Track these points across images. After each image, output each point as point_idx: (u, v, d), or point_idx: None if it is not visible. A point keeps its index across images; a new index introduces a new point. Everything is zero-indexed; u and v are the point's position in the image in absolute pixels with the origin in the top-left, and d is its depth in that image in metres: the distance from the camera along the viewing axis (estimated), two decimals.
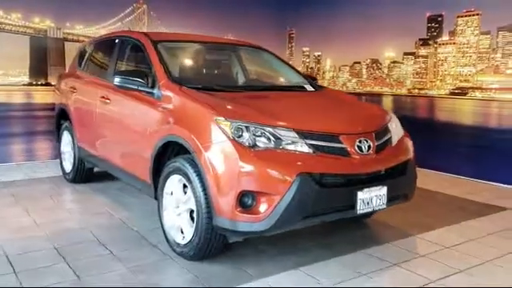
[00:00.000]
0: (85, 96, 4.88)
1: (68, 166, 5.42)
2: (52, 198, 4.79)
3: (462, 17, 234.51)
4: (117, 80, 3.71)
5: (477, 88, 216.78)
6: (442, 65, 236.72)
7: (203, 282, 2.94)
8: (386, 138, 3.36)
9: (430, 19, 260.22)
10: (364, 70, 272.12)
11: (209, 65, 4.60)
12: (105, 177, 5.50)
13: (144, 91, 3.69)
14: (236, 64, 4.62)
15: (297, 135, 2.95)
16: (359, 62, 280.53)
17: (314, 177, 2.86)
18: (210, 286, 2.90)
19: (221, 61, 4.65)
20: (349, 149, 3.05)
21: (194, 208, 3.11)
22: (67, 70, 5.80)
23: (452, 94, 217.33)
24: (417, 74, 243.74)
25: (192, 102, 3.27)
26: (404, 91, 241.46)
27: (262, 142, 2.90)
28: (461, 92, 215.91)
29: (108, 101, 4.26)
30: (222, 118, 2.97)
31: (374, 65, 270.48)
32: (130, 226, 3.95)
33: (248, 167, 2.80)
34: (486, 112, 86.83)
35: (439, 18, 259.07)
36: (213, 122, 2.98)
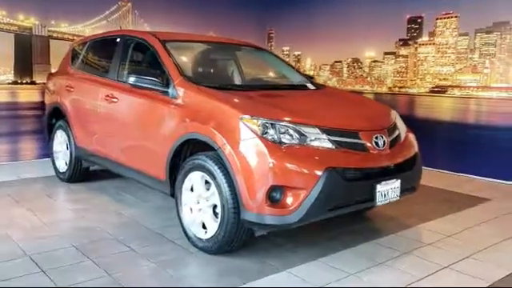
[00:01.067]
0: (85, 95, 4.86)
1: (62, 166, 5.37)
2: (52, 198, 4.76)
3: (441, 19, 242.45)
4: (132, 79, 3.75)
5: (455, 86, 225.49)
6: (421, 64, 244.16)
7: (231, 274, 3.05)
8: (395, 134, 3.57)
9: (410, 20, 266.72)
10: (345, 69, 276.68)
11: (216, 64, 4.69)
12: (100, 176, 5.49)
13: (158, 90, 3.74)
14: (241, 64, 4.74)
15: (320, 132, 3.10)
16: (340, 61, 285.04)
17: (339, 171, 3.03)
18: (239, 277, 3.01)
19: (227, 60, 4.74)
20: (367, 144, 3.24)
21: (218, 203, 3.20)
22: (58, 69, 5.72)
23: (432, 91, 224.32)
24: (397, 72, 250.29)
25: (215, 100, 3.36)
26: (385, 89, 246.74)
27: (287, 139, 3.03)
28: (440, 90, 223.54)
29: (115, 99, 4.27)
30: (249, 116, 3.09)
31: (355, 64, 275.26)
32: (141, 224, 4.00)
33: (277, 163, 2.93)
34: (464, 108, 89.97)
35: (419, 20, 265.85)
36: (239, 120, 3.09)
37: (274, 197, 2.97)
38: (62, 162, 5.37)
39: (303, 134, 3.06)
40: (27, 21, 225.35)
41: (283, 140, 3.02)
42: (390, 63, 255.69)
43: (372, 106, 4.03)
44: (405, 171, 3.47)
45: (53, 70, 6.23)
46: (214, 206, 3.30)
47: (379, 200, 3.25)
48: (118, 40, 4.62)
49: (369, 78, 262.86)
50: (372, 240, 3.73)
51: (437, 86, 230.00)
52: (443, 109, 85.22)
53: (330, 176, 2.96)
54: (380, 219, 4.32)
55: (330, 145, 3.10)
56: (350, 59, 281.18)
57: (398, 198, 3.40)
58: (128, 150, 4.25)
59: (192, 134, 3.39)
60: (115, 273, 3.01)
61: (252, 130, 3.04)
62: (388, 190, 3.29)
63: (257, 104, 3.32)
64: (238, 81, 4.56)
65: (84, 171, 5.25)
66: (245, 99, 3.39)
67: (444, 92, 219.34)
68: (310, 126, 3.10)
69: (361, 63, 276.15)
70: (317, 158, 3.00)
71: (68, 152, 5.21)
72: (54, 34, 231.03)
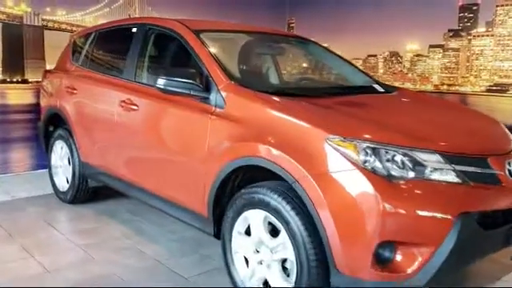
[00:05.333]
0: (92, 99, 3.91)
1: (63, 184, 4.40)
2: (52, 228, 3.81)
3: (502, 6, 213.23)
4: (161, 82, 2.79)
5: None
6: (476, 59, 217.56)
7: None
8: None
9: (463, 8, 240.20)
10: (381, 64, 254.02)
11: (263, 61, 3.73)
12: (108, 195, 4.52)
13: (196, 96, 2.81)
14: (293, 61, 3.79)
15: (441, 159, 2.18)
16: (375, 55, 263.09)
17: (476, 216, 2.12)
18: None
19: (275, 56, 3.79)
20: (499, 174, 2.32)
21: (292, 258, 2.29)
22: (56, 65, 4.74)
23: (489, 90, 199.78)
24: (446, 68, 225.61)
25: (283, 113, 2.41)
26: (430, 87, 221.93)
27: (397, 171, 2.12)
28: (500, 89, 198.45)
29: (135, 107, 3.33)
30: (339, 138, 2.17)
31: (393, 58, 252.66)
32: (170, 268, 3.08)
33: (390, 207, 2.01)
34: None
35: (474, 7, 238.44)
36: (325, 143, 2.17)
37: (382, 256, 2.06)
38: (63, 180, 4.41)
39: (420, 164, 2.14)
40: (17, 8, 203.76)
41: (392, 172, 2.10)
42: (436, 57, 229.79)
43: (477, 117, 3.08)
44: None
45: (48, 66, 5.20)
46: (284, 260, 2.38)
47: None
48: (136, 30, 3.66)
49: (410, 75, 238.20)
50: None
51: (495, 84, 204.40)
52: (507, 111, 75.63)
53: (465, 224, 2.05)
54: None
55: (455, 178, 2.17)
56: (387, 53, 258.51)
57: None
58: (153, 173, 3.29)
59: (253, 158, 2.45)
60: None
61: (347, 158, 2.12)
62: None
63: (344, 118, 2.40)
64: (297, 84, 3.60)
65: (90, 191, 4.30)
66: (324, 111, 2.46)
67: (505, 91, 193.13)
68: (427, 152, 2.17)
69: (400, 57, 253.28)
70: (445, 198, 2.09)
71: (70, 168, 4.26)
72: (50, 24, 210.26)
